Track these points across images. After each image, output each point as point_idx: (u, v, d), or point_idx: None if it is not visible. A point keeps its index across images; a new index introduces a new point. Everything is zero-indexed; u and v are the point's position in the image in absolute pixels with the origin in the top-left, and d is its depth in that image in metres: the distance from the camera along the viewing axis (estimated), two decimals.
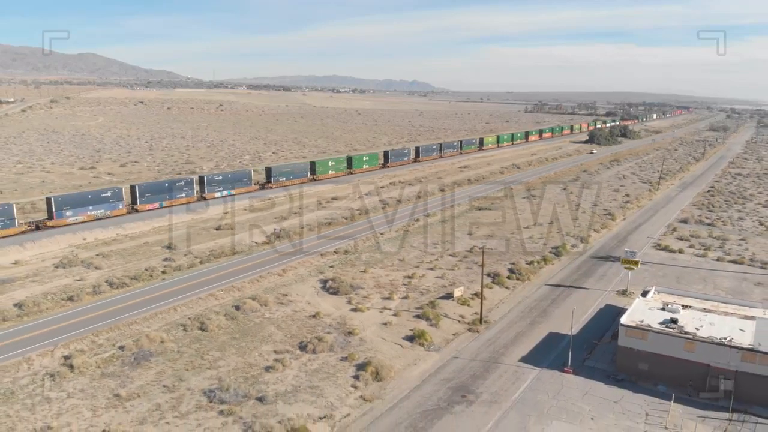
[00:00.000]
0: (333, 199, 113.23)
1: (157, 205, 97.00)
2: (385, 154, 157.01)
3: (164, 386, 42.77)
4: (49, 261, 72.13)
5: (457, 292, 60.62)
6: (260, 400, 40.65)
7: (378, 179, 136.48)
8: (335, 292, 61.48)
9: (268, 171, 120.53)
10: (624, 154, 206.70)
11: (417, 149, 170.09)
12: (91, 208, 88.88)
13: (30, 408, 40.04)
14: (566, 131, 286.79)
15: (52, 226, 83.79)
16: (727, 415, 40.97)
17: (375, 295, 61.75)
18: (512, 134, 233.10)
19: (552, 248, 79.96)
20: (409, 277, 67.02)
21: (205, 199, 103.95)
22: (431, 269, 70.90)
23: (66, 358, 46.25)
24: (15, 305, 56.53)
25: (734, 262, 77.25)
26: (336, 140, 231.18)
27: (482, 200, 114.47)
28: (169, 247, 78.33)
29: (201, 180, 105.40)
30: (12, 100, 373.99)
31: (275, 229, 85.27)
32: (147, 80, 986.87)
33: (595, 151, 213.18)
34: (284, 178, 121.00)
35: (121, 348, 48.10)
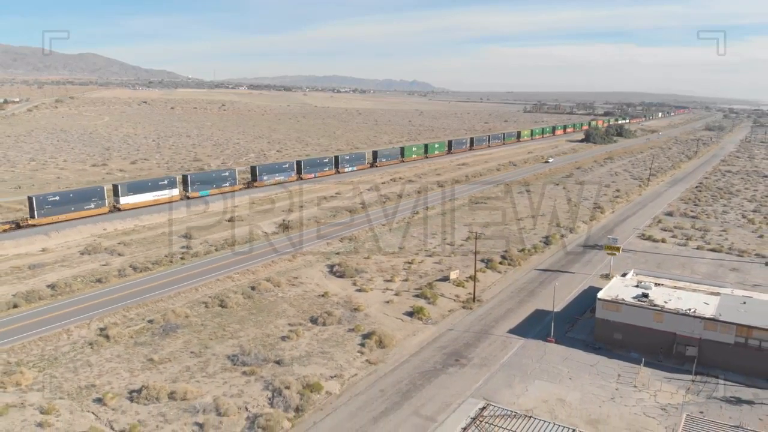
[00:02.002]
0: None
1: (313, 175, 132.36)
2: (449, 143, 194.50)
3: (192, 352, 48.26)
4: (74, 248, 77.60)
5: (453, 275, 66.12)
6: (278, 362, 46.14)
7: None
8: (342, 275, 66.99)
9: (375, 153, 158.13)
10: (618, 152, 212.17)
11: (472, 139, 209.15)
12: (277, 175, 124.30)
13: (74, 371, 45.44)
14: (585, 126, 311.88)
15: (257, 186, 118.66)
16: (690, 376, 46.39)
17: (378, 278, 67.29)
18: (542, 128, 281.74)
19: (543, 238, 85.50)
20: (409, 263, 72.50)
21: (339, 172, 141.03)
22: (430, 256, 76.39)
23: (101, 329, 51.70)
24: (48, 286, 61.95)
25: (713, 250, 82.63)
26: (338, 139, 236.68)
27: (480, 195, 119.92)
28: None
29: (336, 159, 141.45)
30: (18, 99, 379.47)
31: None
32: (148, 80, 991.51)
33: (551, 160, 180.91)
34: (385, 159, 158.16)
35: (150, 321, 53.54)
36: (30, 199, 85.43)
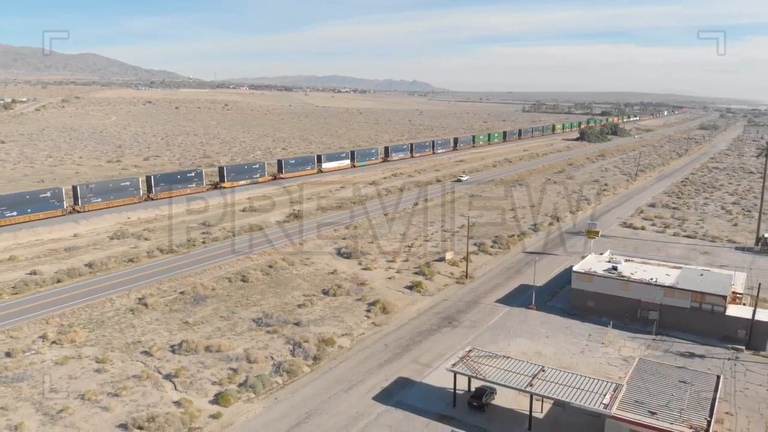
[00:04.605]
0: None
1: (419, 154, 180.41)
2: (504, 133, 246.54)
3: (221, 317, 55.79)
4: (103, 234, 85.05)
5: (449, 255, 73.66)
6: (297, 324, 53.69)
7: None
8: (348, 256, 74.50)
9: (456, 140, 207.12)
10: (611, 150, 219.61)
11: (519, 131, 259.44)
12: (400, 153, 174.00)
13: (120, 331, 52.91)
14: (603, 122, 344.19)
15: (389, 160, 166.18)
16: (651, 336, 53.84)
17: (381, 258, 74.80)
18: (571, 123, 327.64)
19: (531, 225, 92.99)
20: (409, 246, 79.98)
21: (435, 153, 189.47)
22: (428, 241, 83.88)
23: (140, 299, 59.22)
24: (86, 265, 69.33)
25: (688, 236, 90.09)
26: (340, 137, 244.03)
27: (476, 188, 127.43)
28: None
29: (433, 143, 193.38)
30: (25, 99, 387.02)
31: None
32: (149, 80, 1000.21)
33: (464, 178, 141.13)
34: (462, 144, 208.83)
35: (182, 293, 61.05)
36: (279, 162, 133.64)
